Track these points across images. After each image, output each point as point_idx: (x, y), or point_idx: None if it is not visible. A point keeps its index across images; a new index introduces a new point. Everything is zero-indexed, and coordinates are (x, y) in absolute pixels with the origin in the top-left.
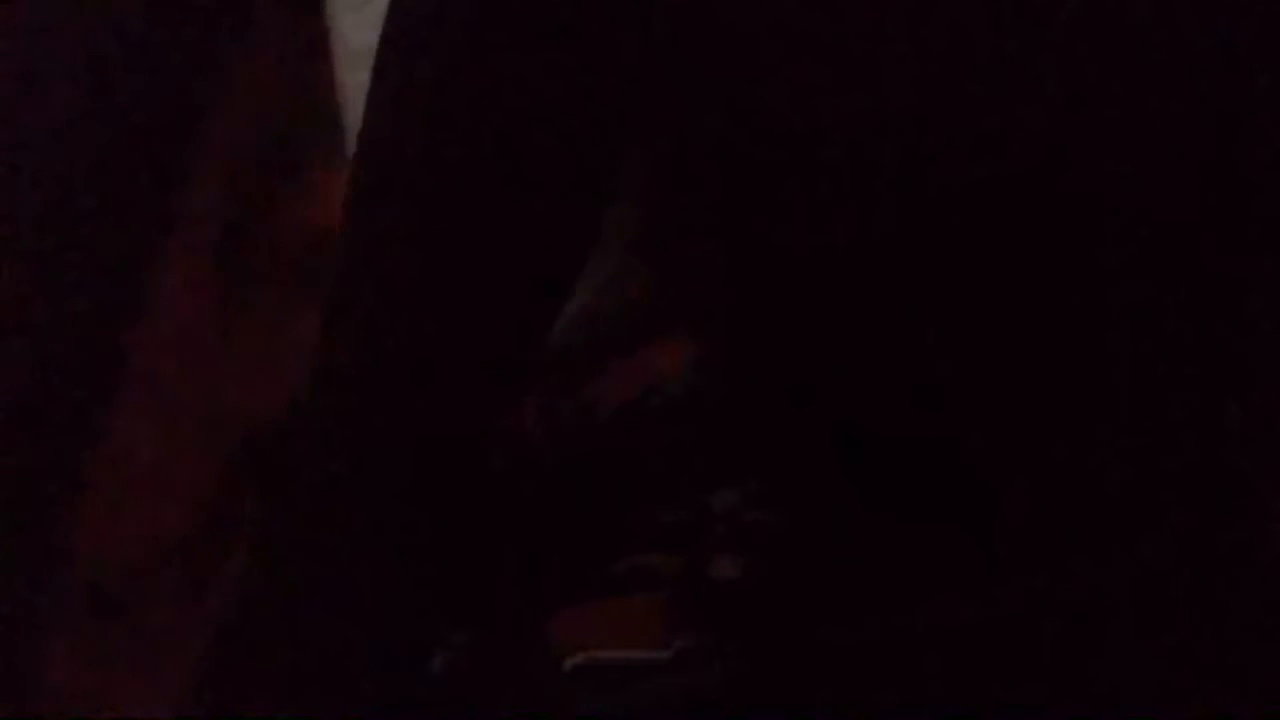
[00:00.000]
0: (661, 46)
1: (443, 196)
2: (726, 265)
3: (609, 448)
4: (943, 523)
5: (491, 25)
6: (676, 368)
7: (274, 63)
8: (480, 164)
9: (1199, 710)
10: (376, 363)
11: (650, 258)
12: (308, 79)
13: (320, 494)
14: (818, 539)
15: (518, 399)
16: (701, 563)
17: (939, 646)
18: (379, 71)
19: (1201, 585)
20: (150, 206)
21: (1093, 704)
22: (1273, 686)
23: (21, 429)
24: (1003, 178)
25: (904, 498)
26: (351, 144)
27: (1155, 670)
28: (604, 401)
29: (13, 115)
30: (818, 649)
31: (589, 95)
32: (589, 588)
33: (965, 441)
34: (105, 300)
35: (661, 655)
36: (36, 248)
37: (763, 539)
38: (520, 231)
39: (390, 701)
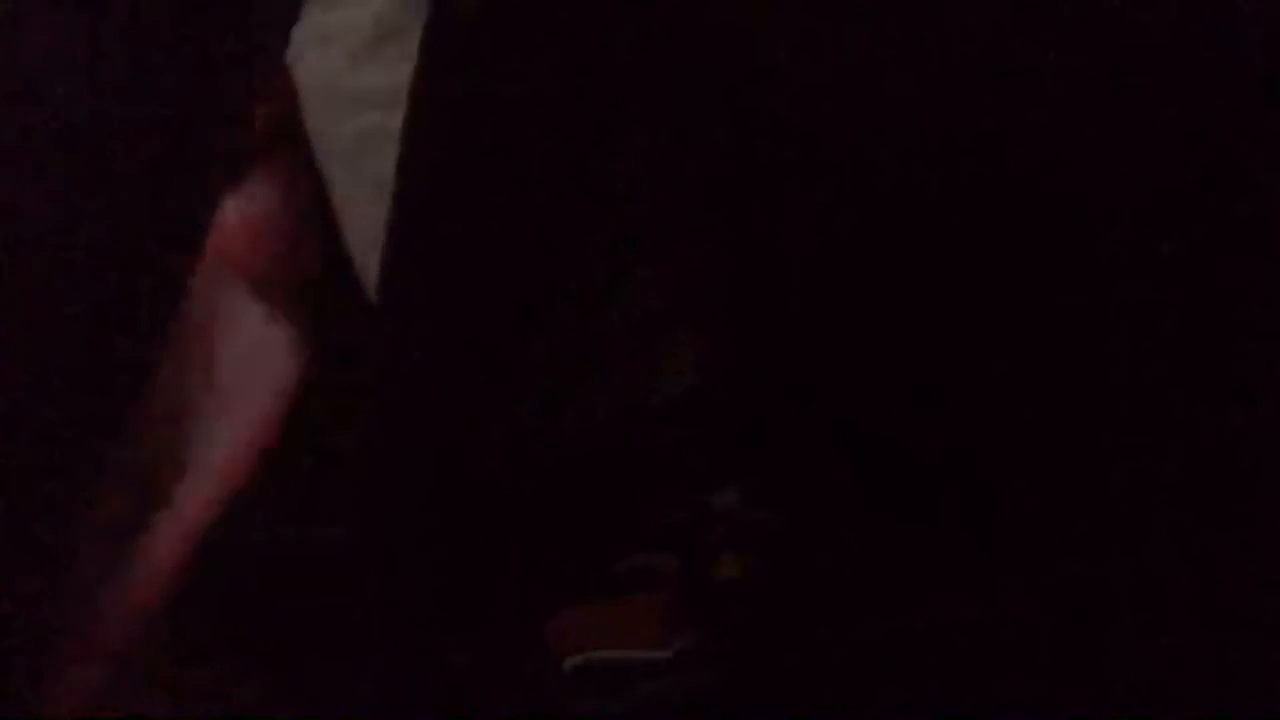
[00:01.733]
0: (662, 46)
1: (448, 201)
2: (727, 265)
3: (609, 448)
4: (943, 523)
5: (492, 25)
6: (677, 368)
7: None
8: (481, 165)
9: (1199, 710)
10: (392, 369)
11: (651, 258)
12: None
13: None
14: (818, 539)
15: (520, 400)
16: (701, 563)
17: (939, 646)
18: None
19: (1201, 585)
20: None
21: (1093, 704)
22: (1273, 686)
23: (24, 430)
24: (1003, 178)
25: (904, 498)
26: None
27: (1155, 670)
28: (604, 402)
29: (14, 117)
30: (818, 649)
31: (589, 96)
32: (589, 588)
33: (965, 441)
34: (108, 301)
35: (661, 655)
36: (38, 249)
37: (763, 539)
38: (523, 233)
39: (391, 701)
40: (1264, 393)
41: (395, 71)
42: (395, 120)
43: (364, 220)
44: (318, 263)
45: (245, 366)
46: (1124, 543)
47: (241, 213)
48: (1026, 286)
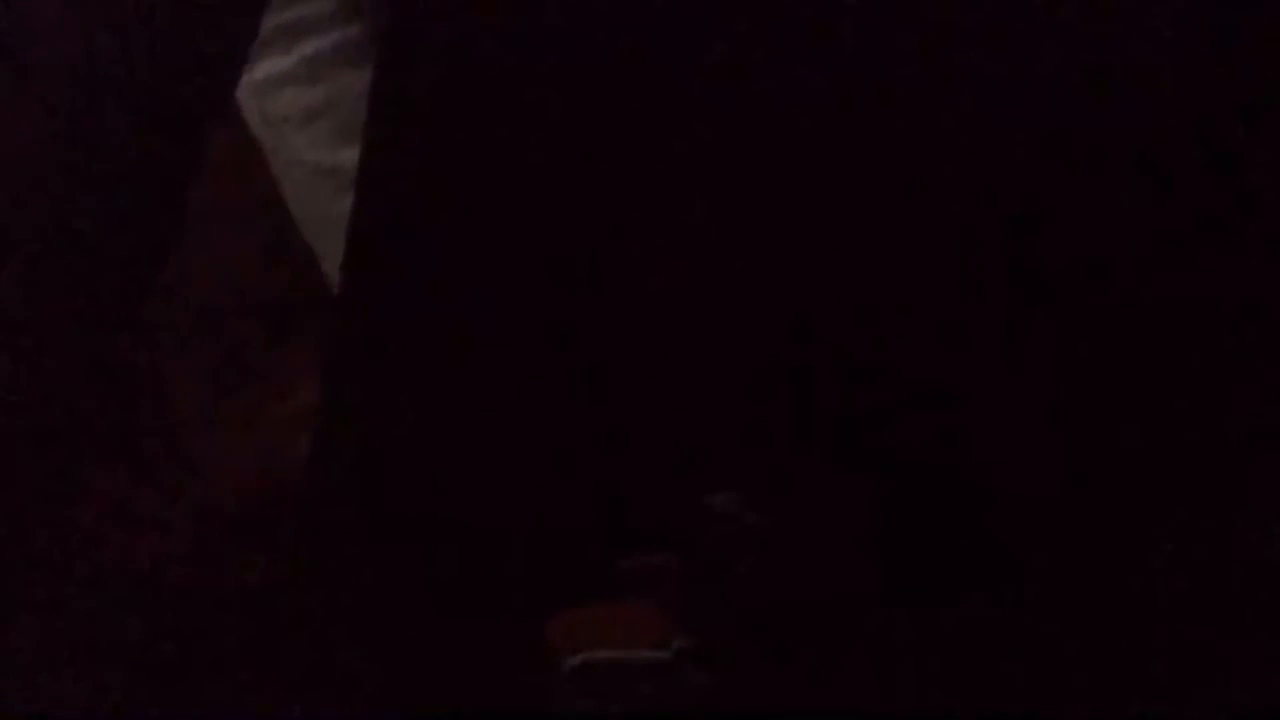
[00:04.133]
0: (655, 51)
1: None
2: (727, 267)
3: (609, 448)
4: (943, 522)
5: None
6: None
7: None
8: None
9: (1199, 710)
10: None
11: (653, 260)
12: None
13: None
14: (818, 539)
15: (521, 400)
16: (701, 563)
17: (939, 646)
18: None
19: (1202, 585)
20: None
21: (1095, 703)
22: (1273, 686)
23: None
24: (1002, 174)
25: (904, 498)
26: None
27: (1155, 670)
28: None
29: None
30: (818, 649)
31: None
32: (589, 588)
33: (966, 441)
34: (103, 304)
35: (661, 655)
36: (31, 252)
37: (763, 539)
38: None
39: (391, 701)
40: (1264, 393)
41: None
42: None
43: None
44: None
45: None
46: (1124, 542)
47: None
48: (1028, 284)
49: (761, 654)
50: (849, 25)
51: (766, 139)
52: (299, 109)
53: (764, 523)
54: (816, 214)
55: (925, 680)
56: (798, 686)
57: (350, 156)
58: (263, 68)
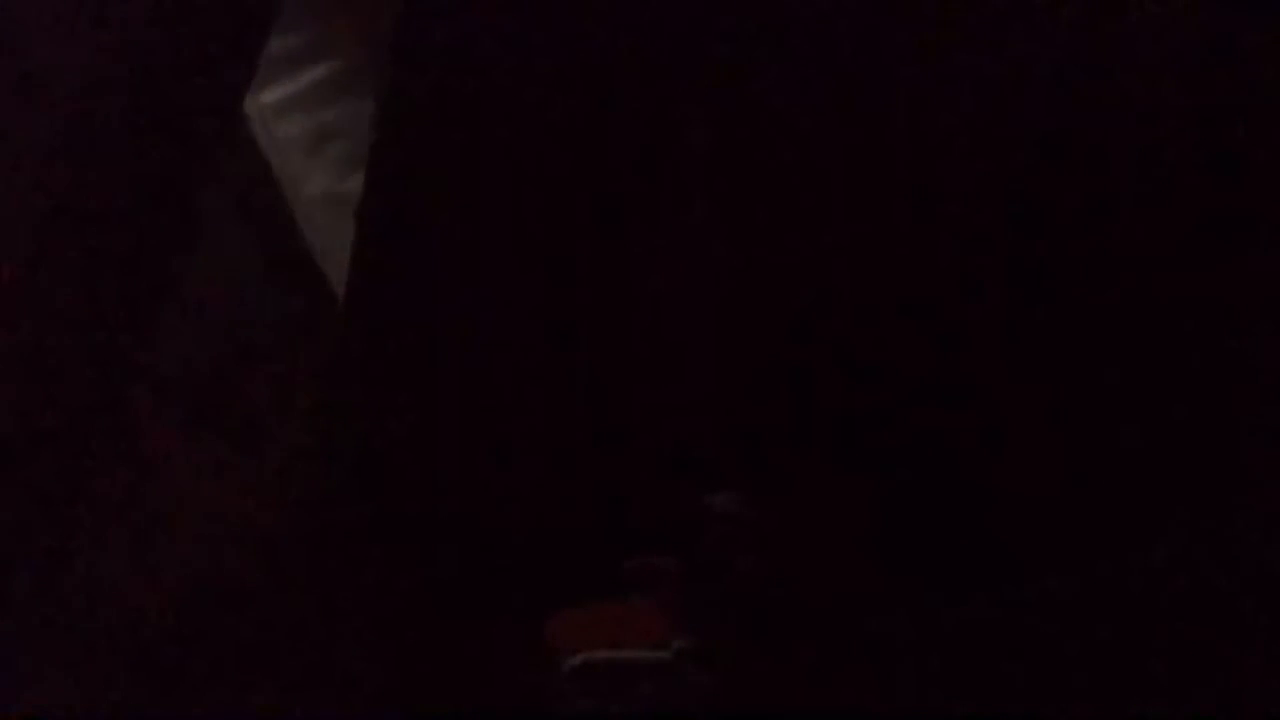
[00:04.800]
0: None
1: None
2: (726, 265)
3: (610, 448)
4: (943, 523)
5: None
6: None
7: None
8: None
9: (1199, 710)
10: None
11: (654, 262)
12: None
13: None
14: (817, 539)
15: (519, 399)
16: (702, 563)
17: (939, 646)
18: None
19: (1202, 586)
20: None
21: (1095, 703)
22: (1273, 686)
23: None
24: (1002, 174)
25: (905, 498)
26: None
27: (1155, 670)
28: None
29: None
30: (817, 649)
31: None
32: (589, 588)
33: (965, 441)
34: (104, 304)
35: (661, 655)
36: (33, 252)
37: (763, 539)
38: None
39: (390, 701)
40: (1265, 391)
41: None
42: None
43: None
44: None
45: None
46: (1123, 543)
47: None
48: (1025, 281)
49: (761, 654)
50: (849, 25)
51: (766, 139)
52: (307, 132)
53: (764, 523)
54: (816, 214)
55: (925, 680)
56: (798, 686)
57: (358, 183)
58: (272, 92)
